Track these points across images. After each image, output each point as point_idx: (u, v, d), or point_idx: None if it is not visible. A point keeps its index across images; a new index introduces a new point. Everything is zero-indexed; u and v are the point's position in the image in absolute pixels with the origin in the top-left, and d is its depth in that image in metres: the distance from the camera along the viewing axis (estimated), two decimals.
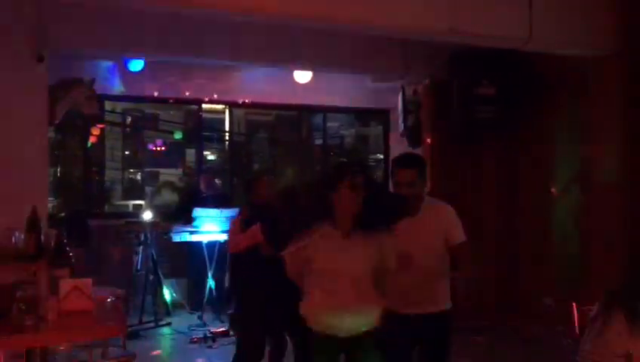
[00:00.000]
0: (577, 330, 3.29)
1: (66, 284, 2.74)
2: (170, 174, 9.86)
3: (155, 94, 7.17)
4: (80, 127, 7.10)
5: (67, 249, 3.34)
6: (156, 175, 10.10)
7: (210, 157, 9.00)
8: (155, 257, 6.02)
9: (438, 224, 3.14)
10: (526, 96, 5.87)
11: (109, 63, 6.47)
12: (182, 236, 5.84)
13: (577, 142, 5.37)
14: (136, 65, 6.28)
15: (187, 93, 7.14)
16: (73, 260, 3.53)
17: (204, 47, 5.41)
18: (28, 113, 4.55)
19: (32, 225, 3.53)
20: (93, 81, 5.26)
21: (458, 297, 3.26)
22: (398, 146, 7.57)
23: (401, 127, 6.79)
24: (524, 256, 6.08)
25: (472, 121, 5.78)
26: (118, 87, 6.68)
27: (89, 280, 2.79)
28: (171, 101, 7.42)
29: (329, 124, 9.21)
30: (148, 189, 9.23)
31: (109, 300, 2.99)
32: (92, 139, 7.21)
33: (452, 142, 6.18)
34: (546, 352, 4.98)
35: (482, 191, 6.35)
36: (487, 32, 4.46)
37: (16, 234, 3.62)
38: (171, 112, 8.73)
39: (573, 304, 3.62)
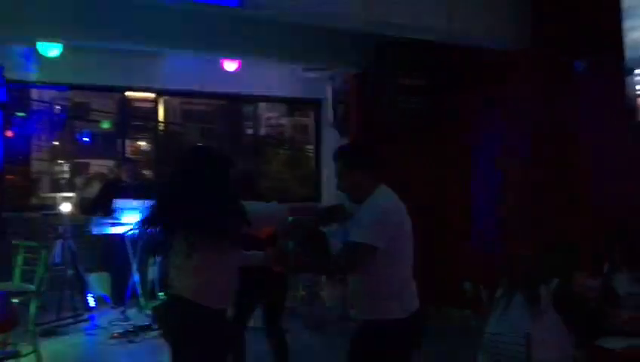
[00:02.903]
0: (484, 313, 3.38)
1: None
2: (101, 165, 9.56)
3: (79, 81, 6.91)
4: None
5: None
6: (86, 166, 9.76)
7: (144, 147, 8.77)
8: (74, 251, 5.79)
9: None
10: (451, 87, 5.97)
11: (22, 48, 6.14)
12: (102, 228, 5.64)
13: (498, 132, 5.49)
14: (52, 50, 5.98)
15: (112, 81, 6.90)
16: None
17: (123, 33, 5.21)
18: None
19: None
20: (2, 67, 4.96)
21: None
22: (331, 136, 7.59)
23: (332, 117, 6.78)
24: (448, 243, 6.20)
25: (398, 111, 5.83)
26: (35, 74, 6.36)
27: None
28: (95, 88, 7.15)
29: (268, 114, 9.13)
30: (78, 181, 8.91)
31: None
32: (9, 133, 6.88)
33: (379, 132, 6.21)
34: (454, 335, 5.07)
35: (409, 181, 6.41)
36: (409, 22, 4.49)
37: None
38: (101, 101, 8.45)
39: (481, 287, 3.72)
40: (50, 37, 5.43)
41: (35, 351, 4.23)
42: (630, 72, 4.19)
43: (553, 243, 3.38)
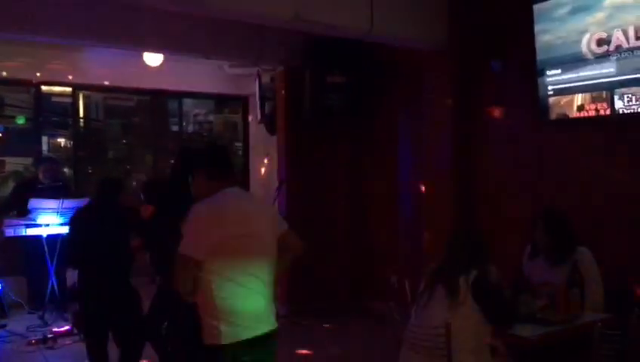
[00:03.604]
0: (407, 305, 3.47)
1: None
2: (17, 163, 9.04)
3: None
4: None
5: None
6: (1, 164, 9.20)
7: (64, 144, 8.37)
8: None
9: None
10: (374, 85, 6.10)
11: None
12: (16, 230, 5.33)
13: (417, 131, 5.65)
14: None
15: (25, 74, 6.54)
16: None
17: (36, 24, 4.92)
18: None
19: None
20: None
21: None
22: (258, 133, 7.55)
23: (259, 114, 6.75)
24: (375, 238, 6.34)
25: (322, 108, 5.88)
26: None
27: None
28: (5, 82, 6.75)
29: (196, 111, 8.95)
30: None
31: None
32: None
33: (305, 129, 6.25)
34: (379, 328, 5.20)
35: (334, 177, 6.52)
36: (331, 21, 4.53)
37: None
38: (15, 95, 7.98)
39: (405, 281, 3.82)
40: None
41: None
42: (542, 72, 4.42)
43: (462, 234, 3.48)
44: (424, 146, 5.43)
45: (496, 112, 4.96)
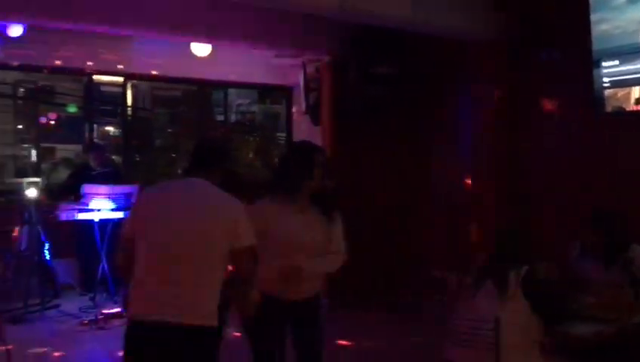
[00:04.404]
0: (453, 299, 3.45)
1: None
2: (68, 150, 9.36)
3: (44, 64, 6.72)
4: None
5: None
6: (52, 151, 9.55)
7: (113, 132, 8.63)
8: (41, 237, 5.67)
9: None
10: (420, 76, 6.03)
11: None
12: (70, 214, 5.53)
13: (464, 124, 5.58)
14: (15, 29, 5.79)
15: (78, 64, 6.74)
16: None
17: (90, 14, 5.07)
18: None
19: None
20: None
21: None
22: (301, 124, 7.58)
23: (303, 104, 6.77)
24: (417, 233, 6.30)
25: (367, 99, 5.86)
26: None
27: None
28: (60, 71, 6.96)
29: (238, 101, 9.07)
30: (44, 166, 8.72)
31: None
32: None
33: (349, 120, 6.23)
34: (425, 322, 5.19)
35: (378, 170, 6.49)
36: (376, 10, 4.50)
37: None
38: (67, 85, 8.26)
39: (448, 275, 3.80)
40: (13, 16, 5.26)
41: (2, 338, 4.15)
42: (597, 64, 4.29)
43: (513, 229, 3.43)
44: (471, 140, 5.35)
45: (547, 105, 4.85)
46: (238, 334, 3.40)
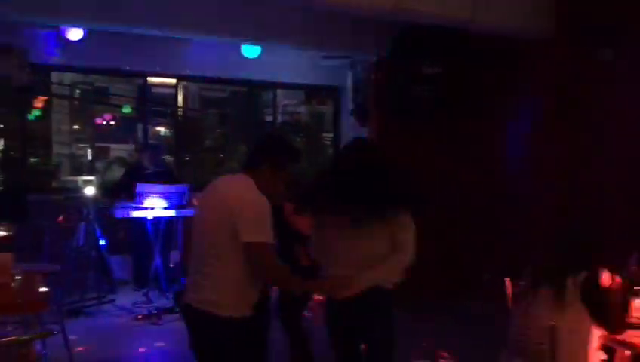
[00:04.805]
0: (509, 305, 3.39)
1: None
2: (121, 149, 9.66)
3: (99, 66, 6.95)
4: (22, 100, 6.84)
5: None
6: (106, 150, 9.87)
7: (163, 132, 8.84)
8: (97, 233, 5.88)
9: None
10: (469, 76, 5.94)
11: (46, 32, 6.18)
12: (124, 212, 5.70)
13: (517, 124, 5.47)
14: (75, 33, 6.01)
15: (133, 66, 6.93)
16: (7, 233, 3.42)
17: (144, 18, 5.24)
18: None
19: None
20: (25, 50, 4.99)
21: None
22: (349, 125, 7.59)
23: (350, 105, 6.78)
24: (468, 235, 6.20)
25: (416, 99, 5.81)
26: (57, 57, 6.41)
27: (9, 255, 2.70)
28: (115, 73, 7.18)
29: (285, 101, 9.14)
30: (98, 165, 9.02)
31: (32, 276, 2.90)
32: (35, 112, 6.97)
33: (397, 120, 6.20)
34: (479, 328, 5.11)
35: (427, 170, 6.41)
36: (432, 9, 4.48)
37: None
38: (121, 86, 8.52)
39: (506, 279, 3.73)
40: (74, 21, 5.48)
41: (63, 330, 4.32)
42: None
43: (572, 233, 3.32)
44: (525, 141, 5.24)
45: (607, 105, 4.70)
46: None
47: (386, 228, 2.86)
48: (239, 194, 2.49)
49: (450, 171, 6.37)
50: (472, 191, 6.17)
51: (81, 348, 4.52)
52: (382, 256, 2.84)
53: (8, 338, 2.33)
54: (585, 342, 2.85)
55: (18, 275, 2.65)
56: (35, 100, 7.04)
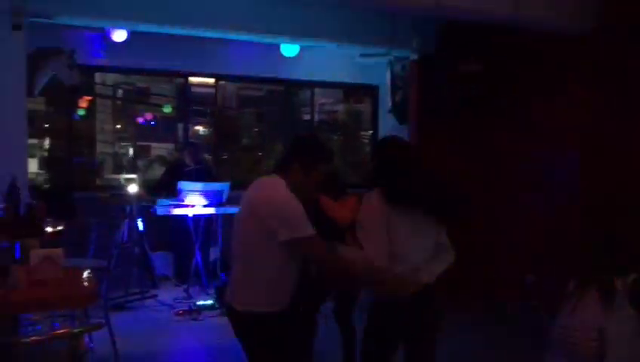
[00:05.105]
0: (555, 306, 3.32)
1: (37, 254, 2.74)
2: (161, 148, 9.85)
3: (141, 66, 7.10)
4: (68, 100, 7.04)
5: (40, 220, 3.34)
6: (148, 149, 10.08)
7: (202, 131, 8.97)
8: (140, 230, 6.01)
9: None
10: (511, 73, 5.83)
11: (91, 33, 6.36)
12: (166, 209, 5.82)
13: (563, 119, 5.34)
14: (120, 35, 6.17)
15: (174, 66, 7.06)
16: (56, 229, 3.55)
17: (186, 18, 5.34)
18: (6, 82, 4.49)
19: (10, 196, 3.53)
20: (73, 51, 5.17)
21: None
22: (387, 123, 7.55)
23: (389, 103, 6.74)
24: (509, 235, 6.10)
25: (456, 97, 5.75)
26: (102, 58, 6.59)
27: (60, 251, 2.79)
28: (158, 73, 7.32)
29: (322, 100, 9.15)
30: (139, 163, 9.22)
31: (82, 271, 2.98)
32: (80, 112, 7.17)
33: (438, 119, 6.14)
34: (524, 329, 5.02)
35: (467, 170, 6.33)
36: (474, 5, 4.42)
37: None
38: (163, 85, 8.69)
39: (553, 280, 3.65)
40: (119, 23, 5.62)
41: (108, 324, 4.43)
42: None
43: (620, 233, 3.22)
44: (568, 140, 5.11)
45: None
46: None
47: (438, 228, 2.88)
48: (267, 194, 2.53)
49: (491, 169, 6.27)
50: (512, 191, 6.06)
51: (124, 342, 4.63)
52: (432, 255, 2.85)
53: (61, 331, 2.41)
54: (635, 346, 2.77)
55: (68, 270, 2.73)
56: (80, 100, 7.23)
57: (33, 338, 2.51)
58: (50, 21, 4.96)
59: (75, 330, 2.63)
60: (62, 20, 5.07)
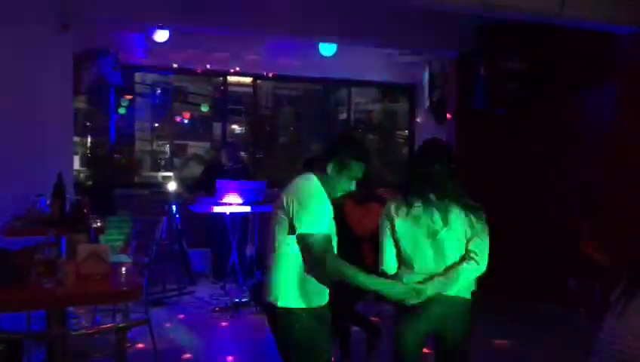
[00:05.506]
0: (600, 311, 3.24)
1: (84, 249, 2.80)
2: (198, 147, 10.00)
3: (180, 65, 7.20)
4: (109, 98, 7.20)
5: (87, 216, 3.42)
6: (184, 147, 10.25)
7: (237, 130, 9.06)
8: (179, 227, 6.10)
9: None
10: (554, 71, 5.70)
11: (134, 33, 6.48)
12: (205, 207, 5.88)
13: (606, 119, 5.19)
14: (161, 35, 6.27)
15: (212, 65, 7.14)
16: (98, 225, 3.63)
17: (227, 18, 5.39)
18: (53, 82, 4.62)
19: (57, 192, 3.63)
20: (118, 51, 5.29)
21: None
22: (424, 122, 7.49)
23: (427, 102, 6.68)
24: (546, 233, 5.97)
25: (497, 96, 5.65)
26: (143, 58, 6.71)
27: (107, 246, 2.85)
28: (197, 72, 7.42)
29: (357, 100, 9.13)
30: (176, 161, 9.37)
31: (128, 266, 3.04)
32: (120, 110, 7.32)
33: (476, 118, 6.05)
34: (570, 333, 4.91)
35: (506, 170, 6.23)
36: (519, 4, 4.34)
37: (42, 200, 3.73)
38: (200, 85, 8.81)
39: (588, 285, 3.55)
40: (161, 23, 5.71)
41: (148, 319, 4.52)
42: None
43: None
44: (615, 140, 4.96)
45: None
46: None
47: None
48: (295, 190, 2.56)
49: (532, 169, 6.14)
50: (553, 192, 5.93)
51: (161, 337, 4.71)
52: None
53: (109, 325, 2.46)
54: None
55: (115, 266, 2.79)
56: (121, 99, 7.39)
57: (83, 331, 2.57)
58: (95, 22, 5.08)
59: (122, 325, 2.67)
60: (107, 21, 5.18)
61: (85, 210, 3.47)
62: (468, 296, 2.94)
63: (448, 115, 6.48)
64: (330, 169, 2.62)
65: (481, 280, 2.95)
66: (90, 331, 2.71)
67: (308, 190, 2.56)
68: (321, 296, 2.65)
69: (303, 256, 2.53)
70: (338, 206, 2.90)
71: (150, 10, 5.22)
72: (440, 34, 5.98)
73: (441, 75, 6.55)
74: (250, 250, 6.49)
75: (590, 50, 5.37)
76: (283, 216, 2.54)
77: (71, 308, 3.98)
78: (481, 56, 5.82)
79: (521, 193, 6.19)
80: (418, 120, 7.75)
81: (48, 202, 3.67)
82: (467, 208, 2.90)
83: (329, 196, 2.62)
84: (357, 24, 5.73)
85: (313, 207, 2.49)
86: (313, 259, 2.51)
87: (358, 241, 3.92)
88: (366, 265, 3.09)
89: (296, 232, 2.48)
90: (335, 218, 2.67)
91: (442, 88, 6.54)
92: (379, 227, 3.00)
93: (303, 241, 2.49)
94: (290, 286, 2.55)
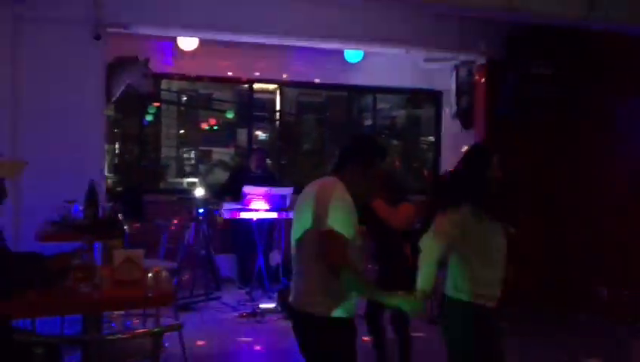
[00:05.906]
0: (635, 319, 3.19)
1: (120, 255, 2.85)
2: (222, 153, 10.06)
3: (206, 73, 7.28)
4: (137, 106, 7.31)
5: (121, 222, 3.48)
6: (209, 154, 10.32)
7: (261, 136, 9.10)
8: (206, 233, 6.15)
9: None
10: (584, 76, 5.63)
11: (162, 42, 6.58)
12: (232, 213, 5.92)
13: (632, 124, 5.10)
14: (190, 43, 6.35)
15: (238, 73, 7.20)
16: (127, 232, 3.69)
17: (252, 24, 5.43)
18: (86, 90, 4.72)
19: (91, 199, 3.70)
20: (148, 59, 5.38)
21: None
22: (449, 128, 7.43)
23: (454, 108, 6.63)
24: (577, 244, 5.87)
25: (526, 101, 5.59)
26: (171, 66, 6.80)
27: (141, 252, 2.88)
28: (222, 79, 7.49)
29: (380, 106, 9.11)
30: (201, 167, 9.44)
31: (161, 272, 3.07)
32: (148, 117, 7.43)
33: (505, 123, 5.99)
34: (605, 341, 4.81)
35: (535, 176, 6.15)
36: (546, 8, 4.31)
37: (76, 206, 3.80)
38: (224, 92, 8.88)
39: (620, 293, 3.49)
40: (189, 32, 5.80)
41: (181, 325, 4.55)
42: None
43: None
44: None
45: None
46: None
47: None
48: (317, 191, 2.54)
49: (562, 174, 6.05)
50: (582, 198, 5.83)
51: (189, 342, 4.74)
52: None
53: (144, 330, 2.49)
54: None
55: (148, 271, 2.83)
56: (149, 106, 7.50)
57: (119, 335, 2.60)
58: (126, 31, 5.16)
59: (157, 329, 2.71)
60: (137, 30, 5.27)
61: (120, 216, 3.52)
62: (457, 296, 2.87)
63: (479, 121, 6.42)
64: (352, 170, 2.62)
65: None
66: (126, 335, 2.74)
67: (333, 191, 2.52)
68: (350, 304, 2.60)
69: (322, 254, 2.45)
70: (367, 207, 2.89)
71: (179, 19, 5.29)
72: (469, 39, 5.93)
73: (468, 81, 6.51)
74: (276, 257, 6.51)
75: (618, 51, 5.29)
76: (300, 222, 2.54)
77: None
78: (509, 61, 5.77)
79: (550, 198, 6.11)
80: (444, 125, 7.70)
81: (81, 208, 3.74)
82: None
83: (362, 197, 2.61)
84: (382, 30, 5.73)
85: (328, 204, 2.45)
86: (327, 256, 2.44)
87: (399, 242, 3.86)
88: (408, 267, 3.08)
89: (318, 230, 2.43)
90: (368, 219, 2.64)
91: (469, 94, 6.49)
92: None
93: (323, 238, 2.43)
94: (323, 293, 2.51)
